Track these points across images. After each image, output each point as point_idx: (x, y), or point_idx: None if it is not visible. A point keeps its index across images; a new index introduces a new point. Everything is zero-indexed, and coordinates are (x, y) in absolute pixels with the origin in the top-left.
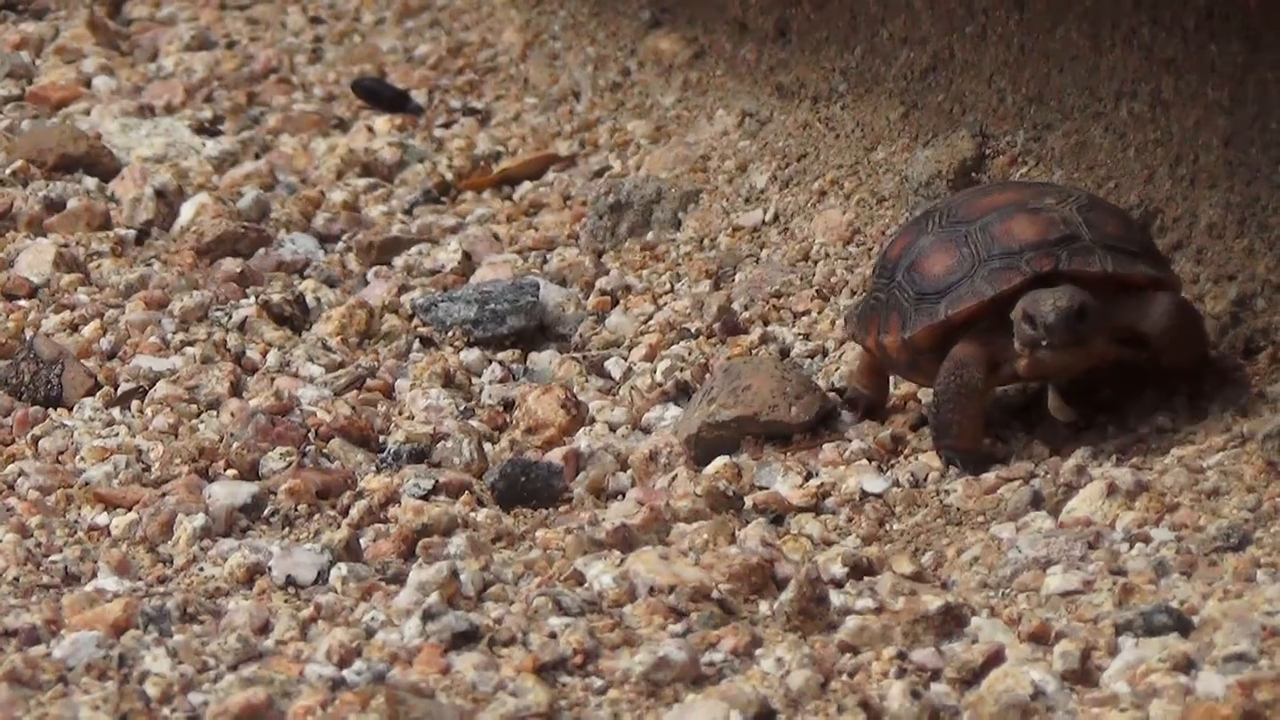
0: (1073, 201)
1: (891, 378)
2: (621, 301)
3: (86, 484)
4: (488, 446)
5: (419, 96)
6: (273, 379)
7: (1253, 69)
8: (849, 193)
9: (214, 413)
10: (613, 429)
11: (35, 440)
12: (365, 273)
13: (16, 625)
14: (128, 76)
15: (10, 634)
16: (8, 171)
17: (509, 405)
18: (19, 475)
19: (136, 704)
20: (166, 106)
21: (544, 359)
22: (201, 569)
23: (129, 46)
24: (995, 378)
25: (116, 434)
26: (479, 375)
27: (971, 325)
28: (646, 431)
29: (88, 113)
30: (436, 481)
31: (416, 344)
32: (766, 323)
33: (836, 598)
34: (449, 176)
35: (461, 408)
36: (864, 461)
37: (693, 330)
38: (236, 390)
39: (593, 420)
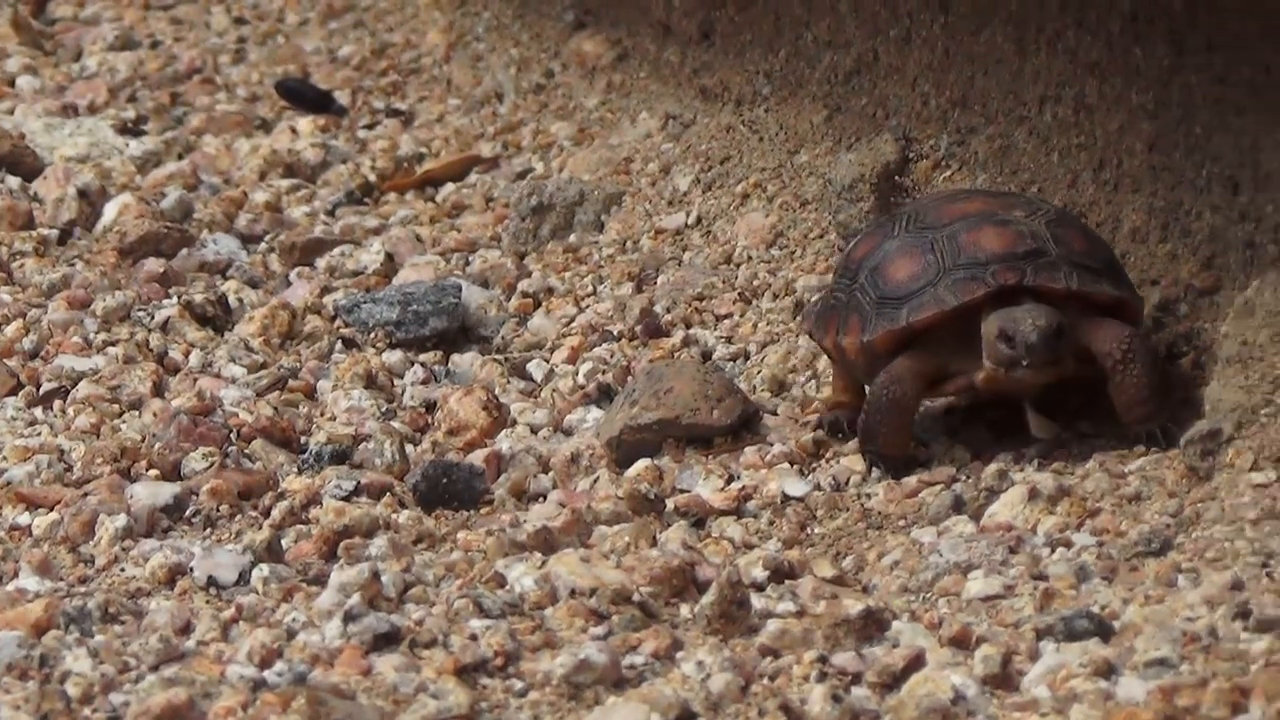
0: (1041, 215)
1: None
2: (544, 304)
3: (8, 484)
4: (409, 448)
5: (342, 97)
6: (195, 379)
7: (1177, 73)
8: (772, 196)
9: (136, 413)
10: (534, 431)
11: None
12: (288, 273)
13: None
14: (51, 76)
15: None
16: None
17: (431, 407)
18: None
19: (57, 704)
20: (90, 106)
21: (466, 361)
22: (123, 569)
23: (53, 46)
24: (943, 389)
25: (38, 434)
26: (401, 377)
27: (931, 333)
28: (568, 434)
29: (11, 112)
30: (358, 483)
31: (339, 345)
32: (688, 325)
33: (757, 601)
34: (372, 178)
35: (383, 409)
36: (785, 465)
37: (615, 333)
38: (159, 390)
39: (514, 422)
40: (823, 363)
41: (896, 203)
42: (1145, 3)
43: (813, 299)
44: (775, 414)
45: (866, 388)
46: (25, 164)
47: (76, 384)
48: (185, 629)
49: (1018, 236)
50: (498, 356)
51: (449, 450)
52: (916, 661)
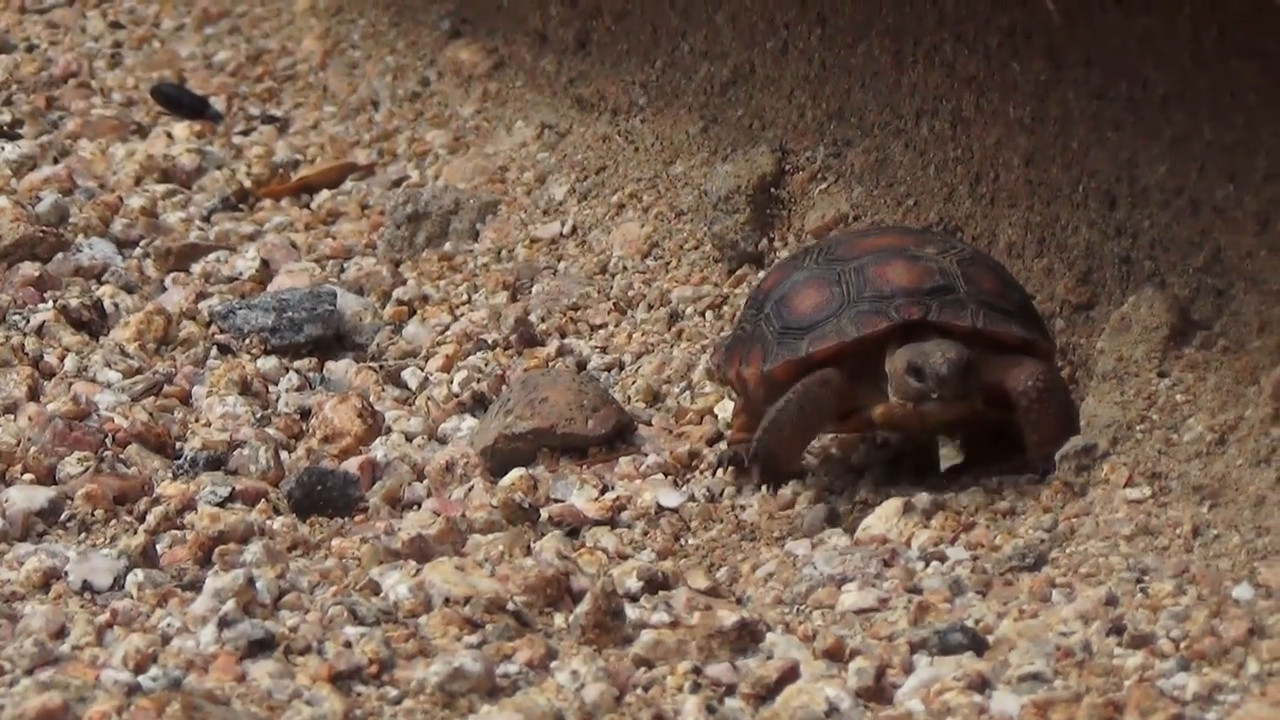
0: (954, 253)
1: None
2: (419, 311)
3: None
4: (284, 455)
5: (218, 103)
6: (70, 384)
7: (1054, 87)
8: (647, 206)
9: (11, 417)
10: (409, 439)
11: None
12: (163, 279)
13: None
14: None
15: None
16: None
17: (306, 414)
18: None
19: None
20: None
21: (341, 368)
22: None
23: None
24: (846, 424)
25: None
26: (276, 383)
27: (832, 366)
28: (443, 442)
29: None
30: (233, 489)
31: (214, 351)
32: (564, 335)
33: (632, 611)
34: (247, 184)
35: (258, 415)
36: (660, 476)
37: (490, 341)
38: (34, 394)
39: (389, 430)
40: (697, 373)
41: (772, 214)
42: (1023, 17)
43: (723, 337)
44: (650, 424)
45: None
46: None
47: None
48: (60, 633)
49: (926, 272)
50: (372, 364)
51: (324, 457)
52: (790, 674)
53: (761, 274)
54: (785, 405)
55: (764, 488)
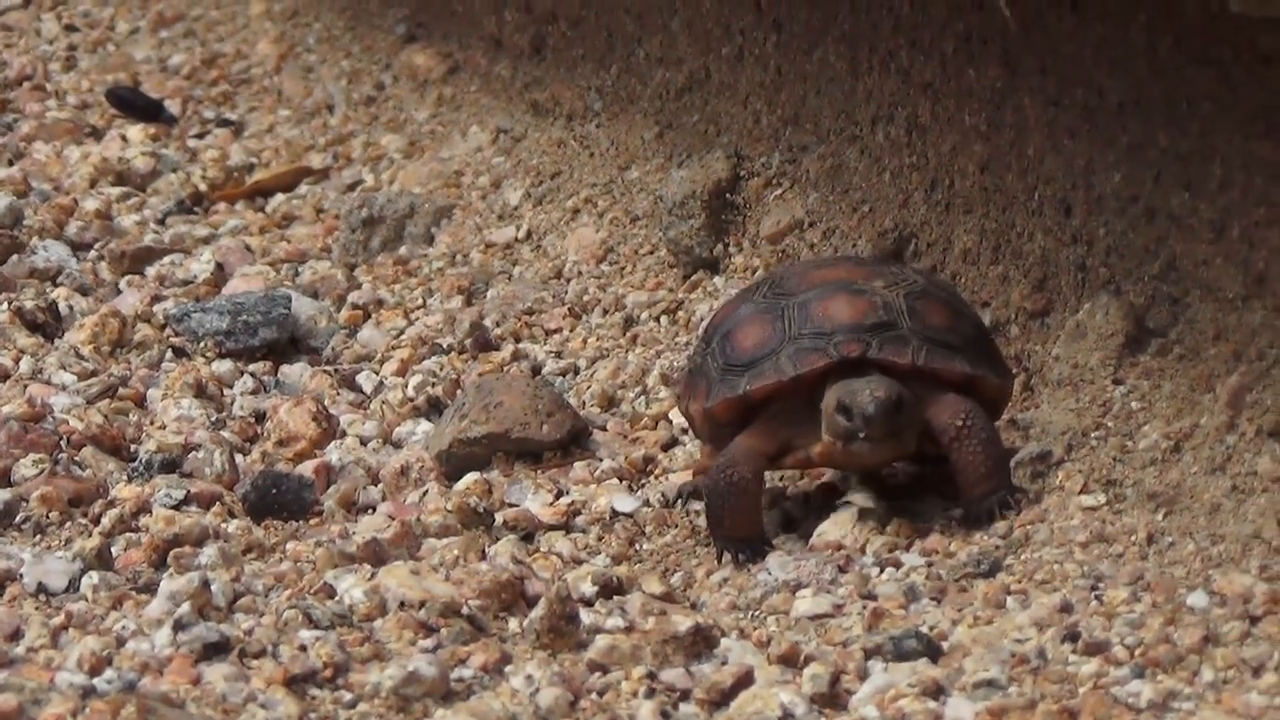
0: (904, 286)
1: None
2: (373, 315)
3: None
4: (239, 458)
5: (173, 106)
6: (25, 386)
7: (1010, 95)
8: (602, 211)
9: None
10: (364, 443)
11: None
12: (118, 281)
13: None
14: None
15: None
16: None
17: (260, 417)
18: None
19: None
20: None
21: (295, 371)
22: None
23: None
24: (785, 462)
25: None
26: (231, 386)
27: (774, 403)
28: (398, 446)
29: None
30: (188, 492)
31: (169, 354)
32: (518, 340)
33: (586, 616)
34: (202, 187)
35: (213, 418)
36: (614, 481)
37: (444, 346)
38: None
39: (344, 434)
40: (652, 378)
41: (727, 220)
42: (979, 24)
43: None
44: (604, 429)
45: None
46: None
47: None
48: (14, 635)
49: (870, 307)
50: (327, 368)
51: (278, 460)
52: (745, 679)
53: (716, 306)
54: (712, 488)
55: (747, 562)
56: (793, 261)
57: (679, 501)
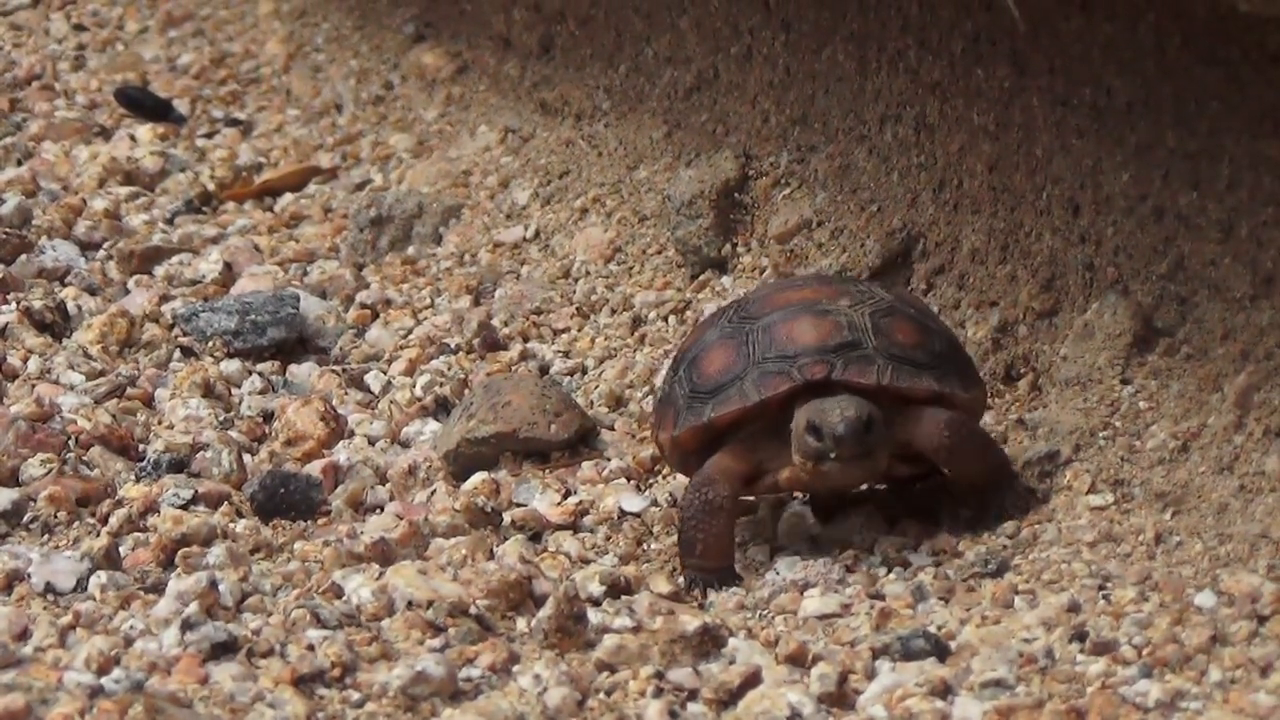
0: (869, 305)
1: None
2: (381, 315)
3: None
4: (247, 458)
5: (181, 106)
6: (33, 385)
7: (1019, 94)
8: (611, 211)
9: None
10: (372, 442)
11: None
12: (126, 281)
13: None
14: None
15: None
16: None
17: (268, 417)
18: None
19: None
20: None
21: (304, 371)
22: None
23: None
24: (757, 488)
25: None
26: (239, 386)
27: (739, 429)
28: (405, 446)
29: None
30: (196, 491)
31: (177, 354)
32: (526, 339)
33: (594, 616)
34: (211, 187)
35: (221, 418)
36: (622, 480)
37: (452, 345)
38: None
39: (352, 433)
40: (660, 378)
41: (735, 219)
42: (988, 24)
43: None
44: (612, 429)
45: None
46: None
47: None
48: (23, 635)
49: (834, 328)
50: (335, 367)
51: (286, 460)
52: (753, 679)
53: (688, 330)
54: (686, 509)
55: (710, 597)
56: (764, 283)
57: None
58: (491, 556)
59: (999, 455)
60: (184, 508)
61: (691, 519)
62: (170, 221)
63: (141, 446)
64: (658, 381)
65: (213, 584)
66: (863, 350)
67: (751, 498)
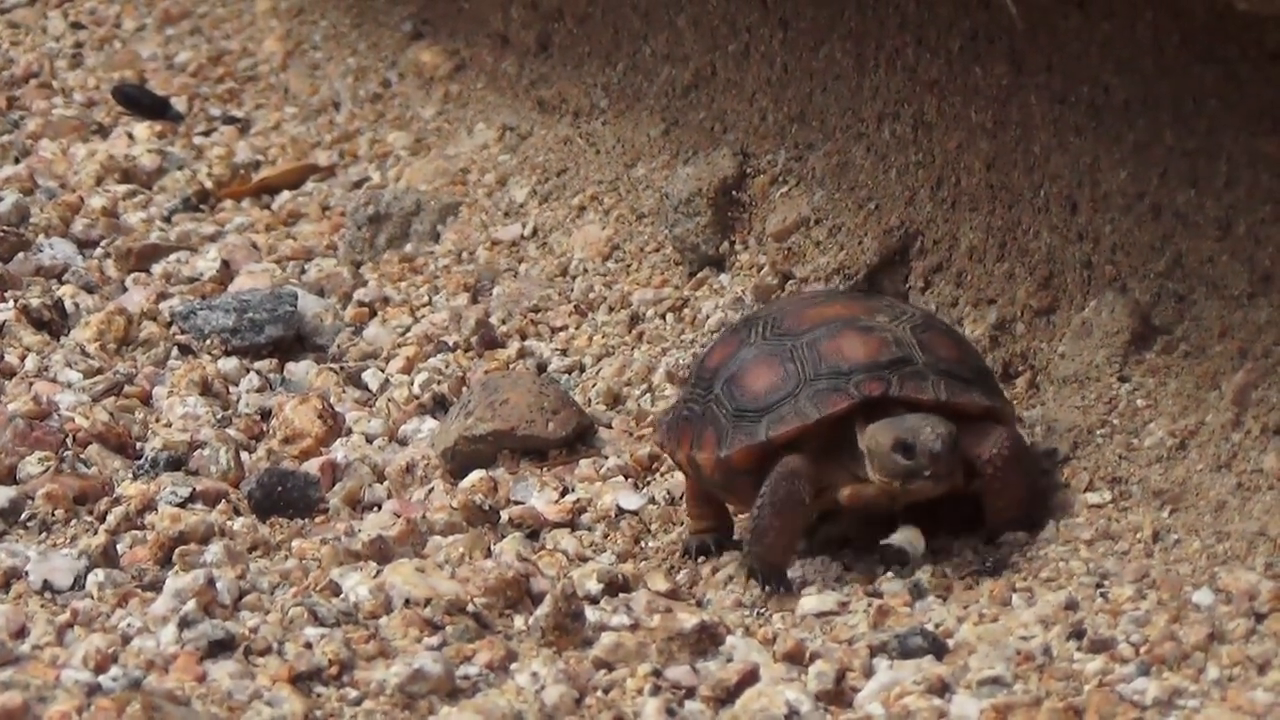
0: (906, 320)
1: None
2: (379, 313)
3: None
4: (245, 455)
5: (179, 104)
6: (31, 384)
7: (1016, 92)
8: (609, 209)
9: None
10: (369, 440)
11: None
12: (124, 279)
13: None
14: None
15: None
16: None
17: (266, 414)
18: None
19: None
20: None
21: (301, 369)
22: None
23: None
24: (815, 504)
25: None
26: (236, 384)
27: (793, 448)
28: (403, 444)
29: None
30: (193, 489)
31: (175, 351)
32: (524, 337)
33: (592, 614)
34: (208, 184)
35: (219, 416)
36: (620, 478)
37: (450, 343)
38: None
39: (349, 431)
40: (658, 376)
41: (733, 217)
42: (985, 22)
43: (664, 410)
44: (610, 427)
45: (728, 505)
46: None
47: None
48: (20, 633)
49: (882, 344)
50: (333, 365)
51: (284, 458)
52: (750, 677)
53: (702, 350)
54: (761, 512)
55: (773, 593)
56: (779, 299)
57: (689, 557)
58: (489, 554)
59: (1037, 492)
60: (181, 506)
61: (771, 506)
62: (168, 219)
63: (139, 444)
64: (655, 379)
65: (210, 582)
66: (915, 366)
67: None
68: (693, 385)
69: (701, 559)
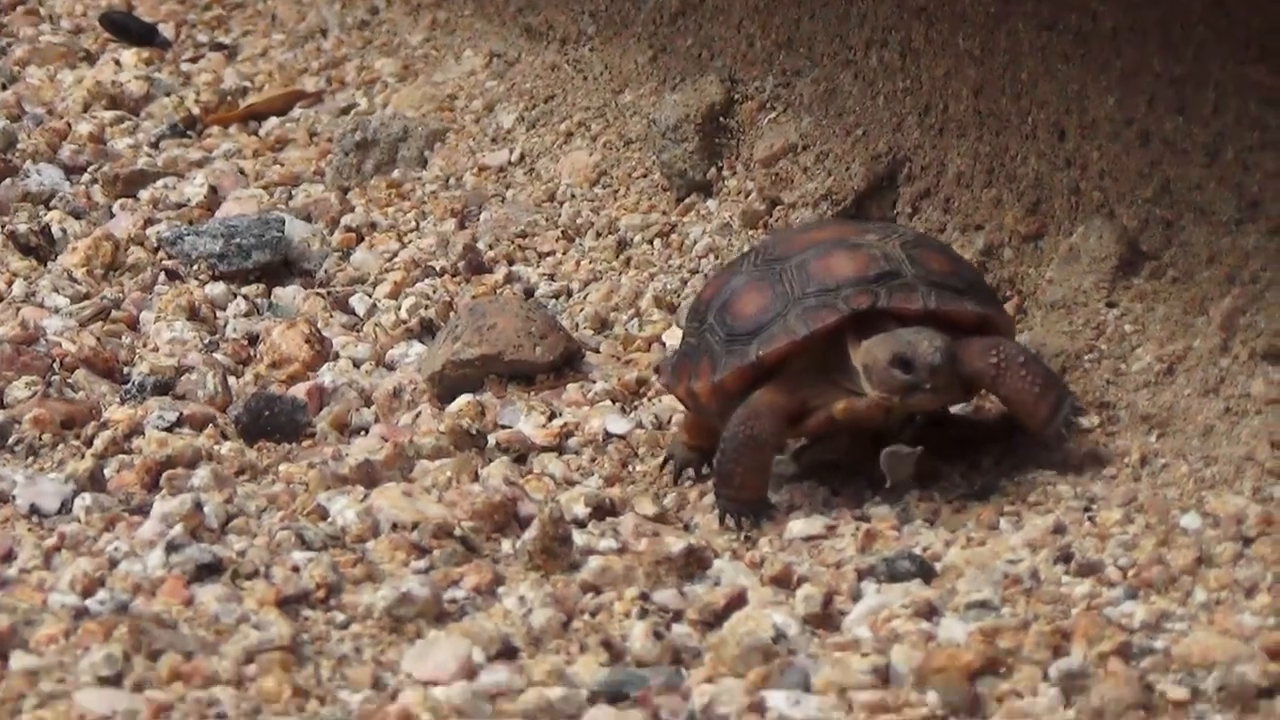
0: (896, 237)
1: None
2: (367, 238)
3: None
4: (232, 380)
5: (167, 30)
6: (18, 309)
7: (1004, 19)
8: (596, 135)
9: None
10: (357, 365)
11: None
12: (111, 205)
13: None
14: None
15: None
16: None
17: (253, 339)
18: None
19: None
20: None
21: (289, 294)
22: None
23: None
24: (800, 428)
25: None
26: (224, 309)
27: (786, 367)
28: (390, 368)
29: None
30: (180, 414)
31: (162, 277)
32: (511, 262)
33: (579, 538)
34: (196, 111)
35: (206, 341)
36: (607, 403)
37: (437, 268)
38: None
39: (337, 356)
40: (645, 301)
41: (721, 143)
42: None
43: (669, 351)
44: (598, 352)
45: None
46: None
47: None
48: (7, 556)
49: (870, 259)
50: (320, 290)
51: (271, 383)
52: (738, 600)
53: (700, 287)
54: (729, 442)
55: (746, 529)
56: (774, 231)
57: (670, 464)
58: (476, 479)
59: (1051, 375)
60: (169, 430)
61: (733, 452)
62: (155, 145)
63: (126, 369)
64: (643, 304)
65: (198, 506)
66: (903, 279)
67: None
68: (689, 321)
69: (688, 476)
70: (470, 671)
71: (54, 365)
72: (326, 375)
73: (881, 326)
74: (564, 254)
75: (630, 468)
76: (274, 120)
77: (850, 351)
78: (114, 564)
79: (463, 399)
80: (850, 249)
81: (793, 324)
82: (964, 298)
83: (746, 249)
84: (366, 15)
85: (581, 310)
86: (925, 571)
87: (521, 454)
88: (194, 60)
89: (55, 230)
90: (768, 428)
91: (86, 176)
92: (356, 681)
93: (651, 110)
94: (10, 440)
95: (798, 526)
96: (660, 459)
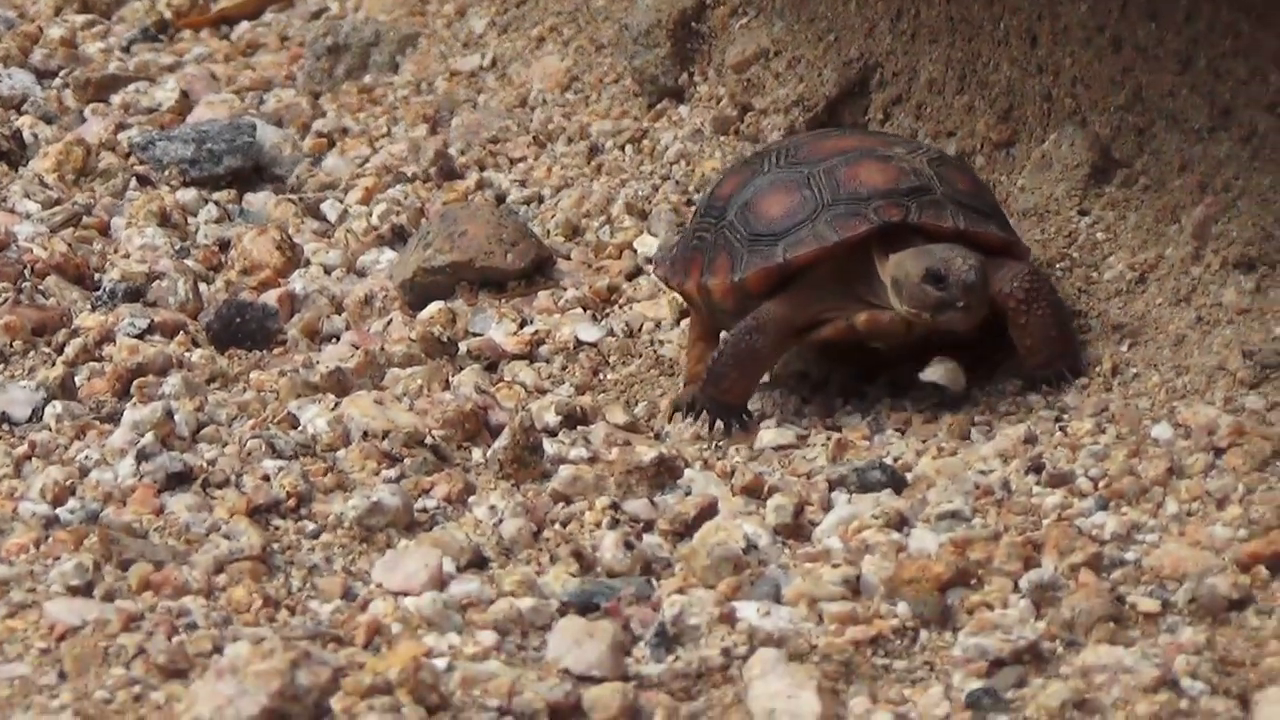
0: (922, 153)
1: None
2: (338, 144)
3: None
4: (203, 286)
5: None
6: None
7: None
8: (568, 40)
9: None
10: (328, 272)
11: None
12: (82, 110)
13: None
14: None
15: None
16: None
17: (225, 245)
18: None
19: None
20: None
21: (260, 200)
22: None
23: None
24: (811, 338)
25: None
26: (195, 215)
27: (807, 273)
28: (361, 275)
29: None
30: (151, 321)
31: (133, 182)
32: (483, 168)
33: (550, 446)
34: (167, 15)
35: (177, 247)
36: (579, 310)
37: (409, 174)
38: None
39: (308, 262)
40: (617, 207)
41: (692, 49)
42: None
43: (665, 245)
44: (569, 259)
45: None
46: None
47: None
48: None
49: (900, 173)
50: (291, 196)
51: (242, 289)
52: (709, 510)
53: (711, 182)
54: (730, 347)
55: (728, 430)
56: (796, 134)
57: (675, 414)
58: (447, 386)
59: (1069, 326)
60: (139, 337)
61: (732, 357)
62: (127, 50)
63: (97, 275)
64: (614, 211)
65: (168, 414)
66: (933, 195)
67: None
68: (701, 216)
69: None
70: (441, 582)
71: (25, 271)
72: (297, 282)
73: (908, 241)
74: (535, 160)
75: (601, 375)
76: (245, 24)
77: (877, 264)
78: (85, 472)
79: (434, 306)
80: (880, 160)
81: (823, 230)
82: (989, 220)
83: (762, 148)
84: None
85: (553, 217)
86: (896, 482)
87: (492, 362)
88: None
89: (26, 135)
90: (770, 342)
91: (58, 81)
92: (327, 591)
93: (623, 15)
94: None
95: (769, 436)
96: (674, 411)
